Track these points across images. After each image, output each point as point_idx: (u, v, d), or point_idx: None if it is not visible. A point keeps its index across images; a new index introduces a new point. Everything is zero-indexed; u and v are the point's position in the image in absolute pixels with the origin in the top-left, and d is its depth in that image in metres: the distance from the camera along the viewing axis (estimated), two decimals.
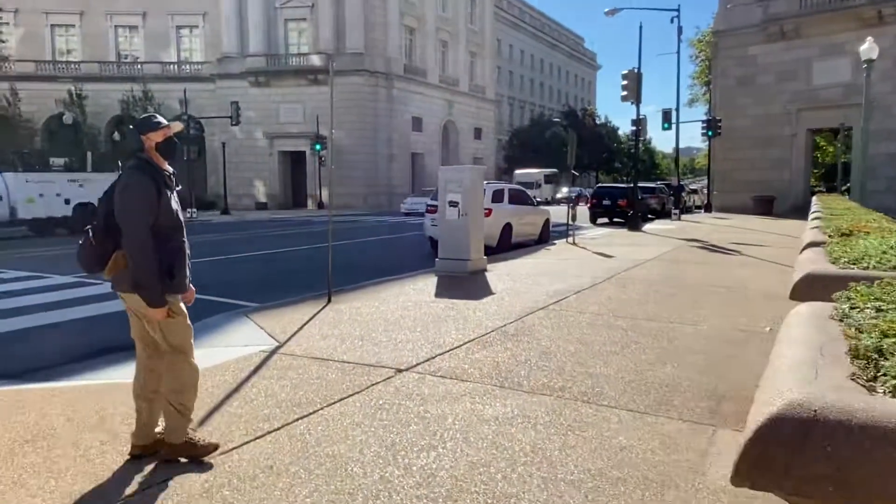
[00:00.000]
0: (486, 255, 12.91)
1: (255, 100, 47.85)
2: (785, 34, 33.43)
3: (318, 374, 4.99)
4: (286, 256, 15.71)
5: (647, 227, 22.95)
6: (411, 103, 51.72)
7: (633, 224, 21.59)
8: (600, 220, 28.20)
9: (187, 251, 3.69)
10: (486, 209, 14.34)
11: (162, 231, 3.46)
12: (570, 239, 17.19)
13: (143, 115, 3.72)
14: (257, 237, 21.78)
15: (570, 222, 17.71)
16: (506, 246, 15.27)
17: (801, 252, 5.06)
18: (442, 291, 9.14)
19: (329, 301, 8.32)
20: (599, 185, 34.04)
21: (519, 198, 16.61)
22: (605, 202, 27.71)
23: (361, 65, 47.48)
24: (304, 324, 6.93)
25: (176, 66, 51.38)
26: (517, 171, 56.65)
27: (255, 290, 10.42)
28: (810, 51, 32.84)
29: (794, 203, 33.50)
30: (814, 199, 23.02)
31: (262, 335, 6.45)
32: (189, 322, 3.63)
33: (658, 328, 6.57)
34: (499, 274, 10.82)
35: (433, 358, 5.45)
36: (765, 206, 32.71)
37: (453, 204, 10.99)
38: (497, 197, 15.28)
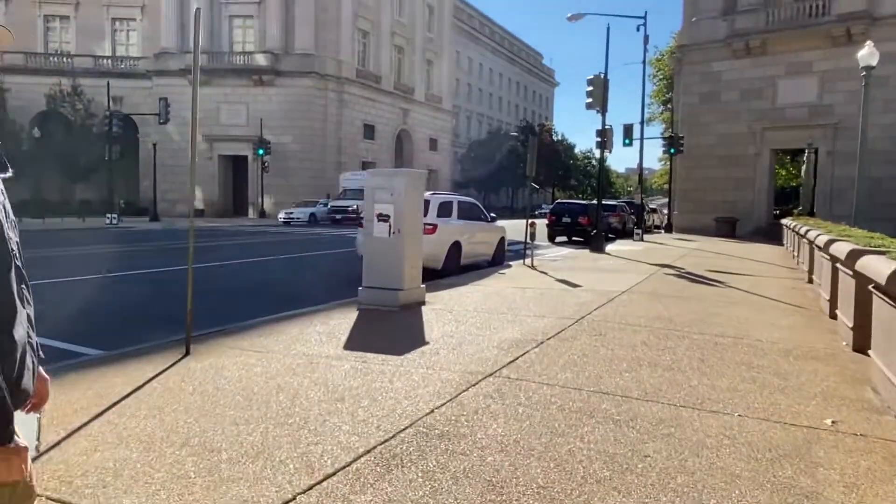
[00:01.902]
0: (429, 279, 10.64)
1: None
2: (750, 50, 32.25)
3: None
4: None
5: (610, 248, 20.97)
6: (363, 109, 49.23)
7: (597, 245, 19.54)
8: (559, 239, 26.21)
9: (28, 315, 1.52)
10: (429, 225, 12.05)
11: None
12: (528, 261, 14.97)
13: None
14: (171, 249, 18.93)
15: (528, 241, 15.48)
16: (453, 269, 12.92)
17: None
18: (357, 337, 6.69)
19: (187, 353, 5.79)
20: (559, 201, 32.18)
21: (470, 212, 14.32)
22: (565, 219, 25.75)
23: (311, 67, 44.81)
24: (116, 402, 4.38)
25: (110, 61, 47.73)
26: (343, 174, 43.16)
27: (116, 328, 7.81)
28: (776, 68, 31.70)
29: (757, 225, 32.21)
30: (789, 220, 21.45)
31: (27, 430, 3.89)
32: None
33: (668, 421, 4.25)
34: (439, 309, 8.42)
35: None
36: (728, 228, 31.29)
37: (383, 218, 8.56)
38: (443, 211, 12.94)
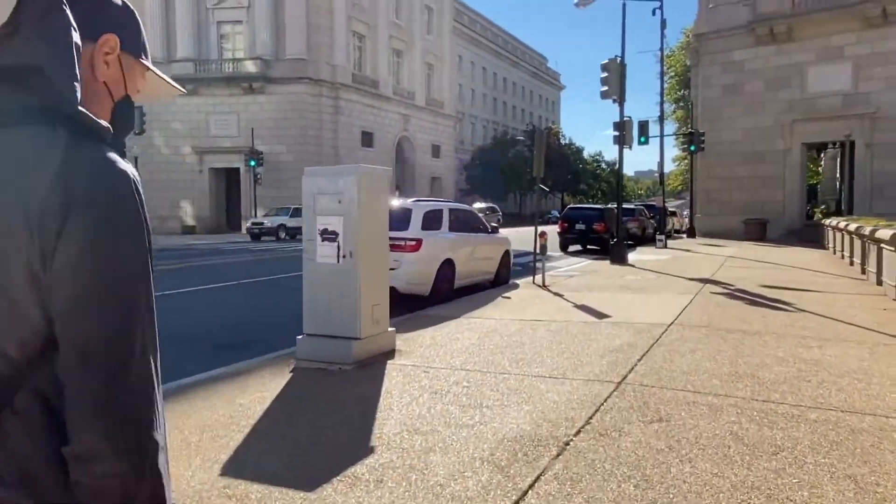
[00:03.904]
0: (413, 309, 8.17)
1: (183, 110, 42.32)
2: (776, 36, 29.54)
3: None
4: None
5: (633, 257, 18.29)
6: (361, 116, 46.81)
7: (618, 255, 16.87)
8: (572, 248, 23.60)
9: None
10: (411, 240, 9.51)
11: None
12: (539, 278, 12.35)
13: None
14: None
15: (539, 254, 12.84)
16: (445, 293, 10.33)
17: None
18: (259, 438, 4.08)
19: None
20: (571, 206, 29.53)
21: (465, 222, 11.71)
22: (579, 226, 23.10)
23: (303, 72, 42.46)
24: None
25: None
26: None
27: None
28: (805, 55, 28.96)
29: (789, 227, 29.38)
30: (838, 220, 18.61)
31: None
32: None
33: None
34: (411, 366, 5.82)
35: None
36: (758, 231, 28.52)
37: (328, 236, 5.98)
38: (431, 221, 10.34)
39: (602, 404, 4.57)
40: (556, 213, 47.41)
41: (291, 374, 5.65)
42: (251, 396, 4.94)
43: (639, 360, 5.92)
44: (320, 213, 6.00)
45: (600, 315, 8.52)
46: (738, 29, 30.38)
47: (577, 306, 9.39)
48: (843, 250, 17.38)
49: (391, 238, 9.52)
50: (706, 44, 31.80)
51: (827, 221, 22.18)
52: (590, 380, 5.24)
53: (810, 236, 26.42)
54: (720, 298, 9.99)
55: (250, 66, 42.44)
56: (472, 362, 5.97)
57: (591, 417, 4.28)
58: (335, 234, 5.93)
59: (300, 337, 6.12)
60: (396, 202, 10.60)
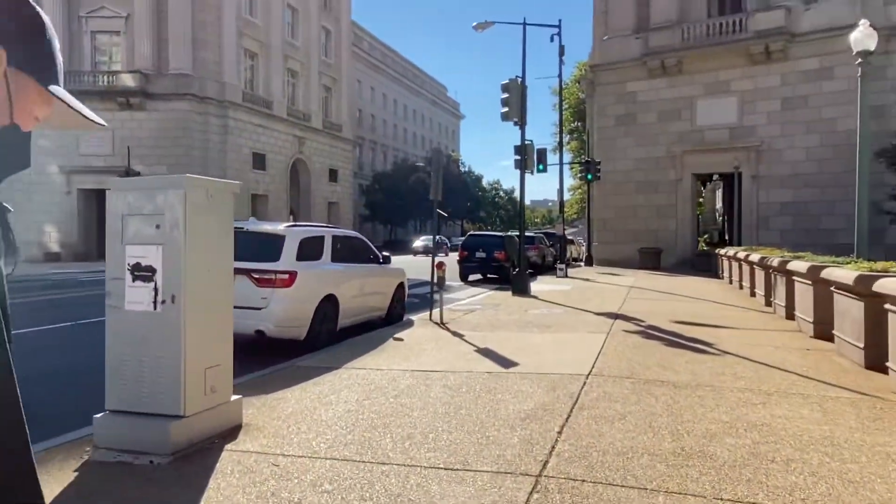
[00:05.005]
0: (284, 356, 6.60)
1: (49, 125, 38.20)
2: (666, 69, 30.23)
3: None
4: None
5: (535, 287, 17.36)
6: (251, 136, 44.24)
7: (521, 285, 15.83)
8: (472, 277, 22.57)
9: None
10: (284, 273, 7.90)
11: None
12: (437, 313, 11.02)
13: None
14: None
15: (436, 285, 11.48)
16: (325, 336, 8.73)
17: None
18: None
19: None
20: (472, 233, 28.61)
21: (352, 251, 10.19)
22: (479, 254, 22.12)
23: (188, 88, 39.61)
24: None
25: None
26: None
27: None
28: (694, 88, 29.77)
29: (681, 256, 29.79)
30: (735, 250, 18.57)
31: None
32: None
33: None
34: (254, 457, 4.21)
35: None
36: (652, 260, 28.68)
37: (142, 274, 4.32)
38: (309, 251, 8.74)
39: None
40: (422, 240, 47.10)
41: (76, 473, 3.90)
42: None
43: (559, 432, 4.60)
44: (130, 241, 4.33)
45: (507, 363, 7.23)
46: (632, 61, 30.89)
47: (479, 350, 8.07)
48: (741, 280, 17.22)
49: (258, 271, 7.88)
50: (601, 75, 32.16)
51: (722, 251, 22.32)
52: (500, 471, 3.85)
53: (702, 265, 26.79)
54: (635, 338, 8.98)
55: (128, 80, 39.13)
56: (342, 443, 4.44)
57: None
58: (151, 270, 4.28)
59: (99, 416, 4.37)
60: (267, 226, 8.96)
